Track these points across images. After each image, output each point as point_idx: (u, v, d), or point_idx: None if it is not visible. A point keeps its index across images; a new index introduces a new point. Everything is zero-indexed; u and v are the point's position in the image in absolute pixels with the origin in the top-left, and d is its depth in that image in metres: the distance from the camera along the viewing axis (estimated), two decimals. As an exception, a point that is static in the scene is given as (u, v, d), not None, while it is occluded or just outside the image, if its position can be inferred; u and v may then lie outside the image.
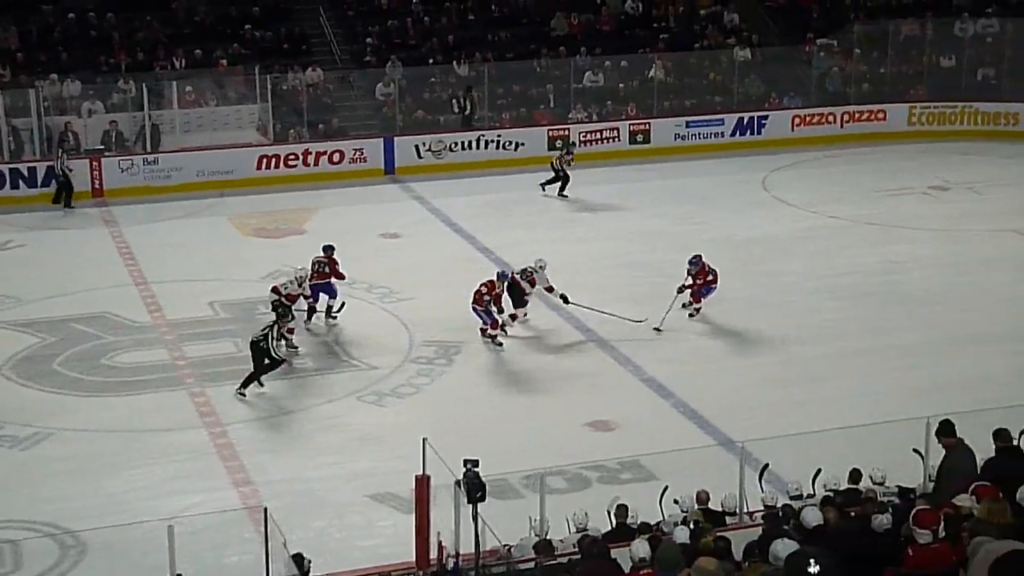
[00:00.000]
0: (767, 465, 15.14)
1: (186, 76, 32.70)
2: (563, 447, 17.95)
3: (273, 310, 21.03)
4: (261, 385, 19.93)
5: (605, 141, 33.59)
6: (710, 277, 22.67)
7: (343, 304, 22.69)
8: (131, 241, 27.25)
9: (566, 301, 22.58)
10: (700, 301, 22.74)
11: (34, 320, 22.79)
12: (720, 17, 37.41)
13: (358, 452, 18.26)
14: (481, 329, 21.87)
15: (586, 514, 13.93)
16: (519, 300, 22.42)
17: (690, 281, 22.61)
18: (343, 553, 15.02)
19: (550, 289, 22.59)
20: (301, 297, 21.95)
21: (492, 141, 32.93)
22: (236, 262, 25.91)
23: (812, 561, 6.35)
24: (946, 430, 13.84)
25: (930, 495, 13.22)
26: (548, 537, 13.34)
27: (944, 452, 13.76)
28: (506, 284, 22.07)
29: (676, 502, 14.37)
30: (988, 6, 37.79)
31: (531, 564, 12.62)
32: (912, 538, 9.20)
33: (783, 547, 8.06)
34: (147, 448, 18.27)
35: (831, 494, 13.88)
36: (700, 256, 22.77)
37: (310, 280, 22.51)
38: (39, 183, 29.99)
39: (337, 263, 22.98)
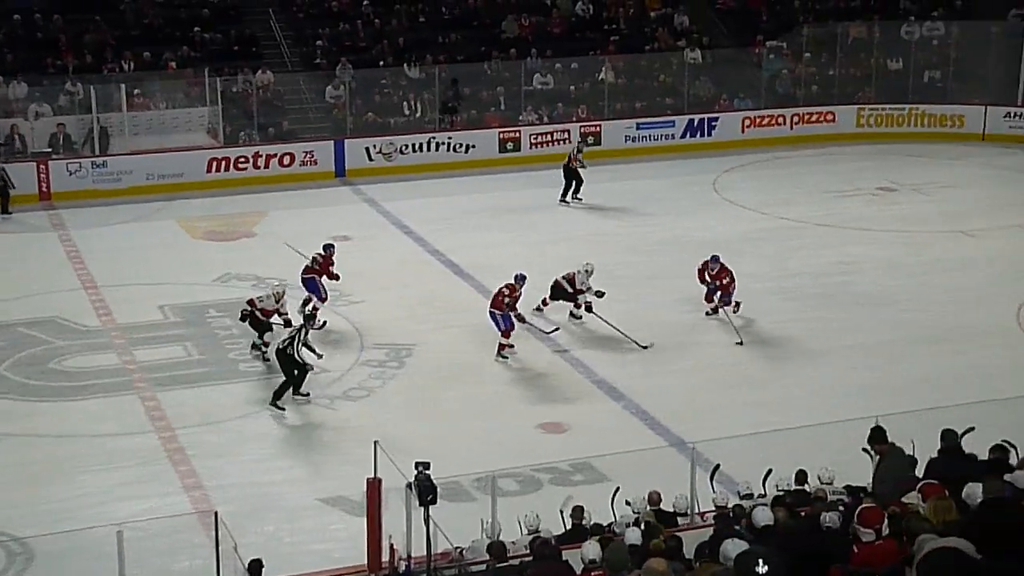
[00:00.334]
0: (718, 466, 15.22)
1: (135, 79, 32.47)
2: (515, 449, 17.95)
3: (242, 319, 21.13)
4: (296, 392, 19.68)
5: (556, 143, 33.60)
6: (727, 280, 22.57)
7: (323, 323, 22.07)
8: (80, 245, 27.06)
9: (588, 310, 22.39)
10: (714, 300, 22.78)
11: (-19, 325, 22.62)
12: (670, 19, 37.54)
13: (310, 456, 18.23)
14: (503, 343, 21.42)
15: (537, 516, 13.94)
16: (569, 298, 22.50)
17: (713, 282, 22.62)
18: (295, 557, 14.96)
19: (580, 292, 22.43)
20: (276, 314, 21.38)
21: (443, 143, 32.91)
22: (186, 265, 25.78)
23: (760, 561, 6.39)
24: (878, 436, 14.04)
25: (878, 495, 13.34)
26: (500, 539, 13.34)
27: (878, 458, 13.93)
28: (522, 286, 21.75)
29: (628, 503, 14.38)
30: (934, 10, 38.11)
31: (483, 566, 12.62)
32: (857, 536, 9.28)
33: (733, 547, 8.10)
34: (97, 453, 18.14)
35: (782, 494, 13.96)
36: (719, 256, 22.75)
37: (303, 274, 22.76)
38: (-17, 186, 29.73)
39: (332, 263, 23.03)
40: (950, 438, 13.91)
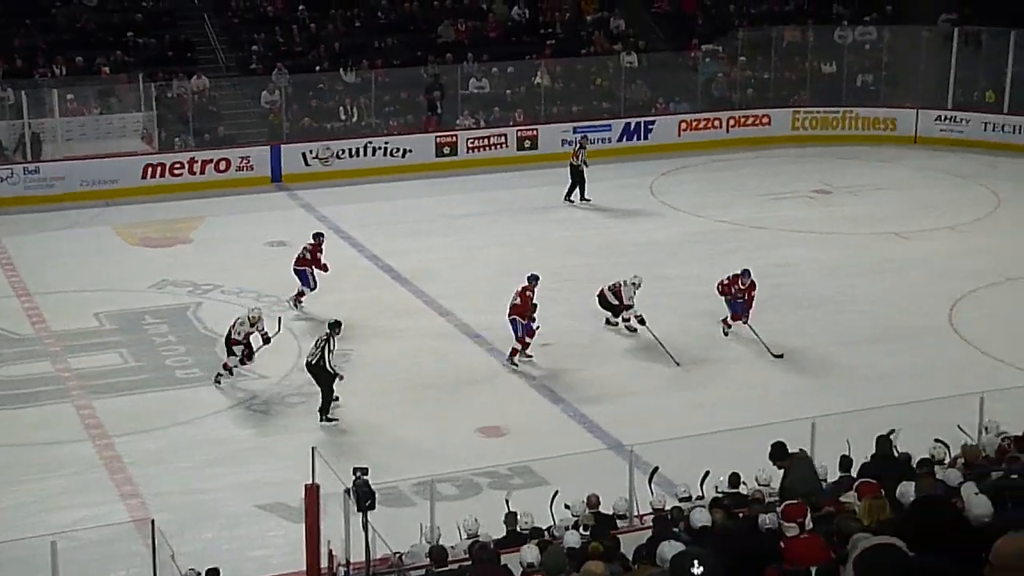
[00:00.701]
0: (656, 468, 15.29)
1: (67, 84, 32.18)
2: (454, 453, 17.96)
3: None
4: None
5: (493, 147, 33.65)
6: (754, 292, 22.23)
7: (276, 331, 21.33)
8: (12, 252, 26.79)
9: (642, 322, 21.99)
10: (741, 317, 22.26)
11: (-89, 334, 22.37)
12: (606, 23, 37.67)
13: (248, 462, 18.13)
14: (516, 348, 21.29)
15: (476, 520, 13.94)
16: (614, 310, 22.29)
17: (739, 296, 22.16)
18: (233, 564, 14.87)
19: (627, 307, 22.09)
20: (258, 334, 20.73)
21: (380, 148, 32.86)
22: (122, 272, 25.59)
23: (696, 562, 6.41)
24: (778, 454, 14.22)
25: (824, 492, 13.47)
26: (439, 544, 13.34)
27: (783, 472, 14.10)
28: (536, 285, 21.65)
29: (567, 507, 14.42)
30: (866, 14, 38.47)
31: (422, 571, 12.61)
32: (782, 532, 9.40)
33: (669, 548, 8.13)
34: (31, 462, 17.99)
35: (720, 496, 14.04)
36: (750, 270, 22.32)
37: (295, 265, 23.22)
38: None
39: (321, 252, 23.45)
40: (884, 446, 14.14)
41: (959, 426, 16.10)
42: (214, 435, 18.96)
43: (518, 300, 21.34)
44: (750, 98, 36.67)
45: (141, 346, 22.04)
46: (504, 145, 33.74)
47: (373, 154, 32.81)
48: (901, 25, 37.74)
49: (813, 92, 36.94)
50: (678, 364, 21.36)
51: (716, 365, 21.40)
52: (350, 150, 32.67)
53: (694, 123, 35.47)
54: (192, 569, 13.03)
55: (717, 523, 11.18)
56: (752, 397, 20.01)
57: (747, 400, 19.84)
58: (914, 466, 13.94)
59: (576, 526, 13.09)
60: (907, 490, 10.31)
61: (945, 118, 35.82)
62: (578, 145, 30.74)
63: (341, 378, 19.47)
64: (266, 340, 20.73)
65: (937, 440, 15.35)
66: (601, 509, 14.25)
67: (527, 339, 21.24)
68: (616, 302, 22.23)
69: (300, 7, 35.81)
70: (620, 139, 34.65)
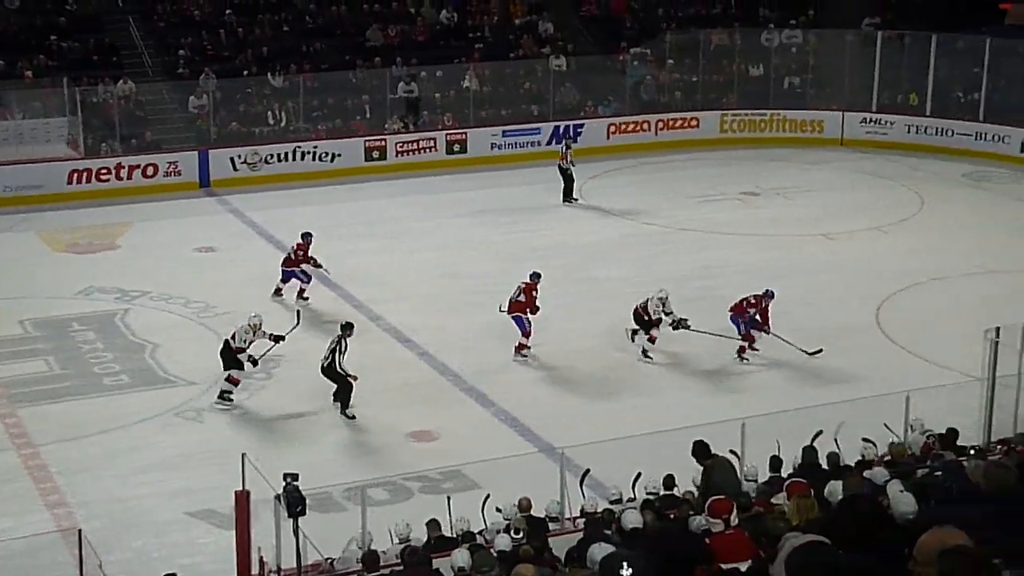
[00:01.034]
0: (587, 471, 15.31)
1: (-11, 88, 31.86)
2: (385, 458, 17.97)
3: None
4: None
5: (422, 151, 33.62)
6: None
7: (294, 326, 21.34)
8: (-65, 259, 26.47)
9: (687, 326, 21.65)
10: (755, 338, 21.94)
11: None
12: (535, 27, 37.73)
13: (177, 469, 17.97)
14: (523, 343, 21.56)
15: (407, 525, 13.92)
16: (646, 327, 21.77)
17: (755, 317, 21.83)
18: (163, 572, 14.75)
19: (656, 322, 21.64)
20: (264, 337, 20.41)
21: (308, 152, 32.72)
22: (48, 279, 25.31)
23: (625, 564, 6.44)
24: (702, 452, 14.34)
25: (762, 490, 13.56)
26: (371, 549, 13.29)
27: (705, 468, 14.21)
28: (538, 282, 21.91)
29: (498, 510, 14.41)
30: (791, 18, 38.78)
31: (354, 577, 12.59)
32: (709, 529, 9.47)
33: (599, 550, 8.17)
34: (-45, 472, 17.76)
35: (651, 497, 14.10)
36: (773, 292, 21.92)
37: (283, 265, 23.81)
38: None
39: (307, 250, 23.93)
40: (810, 456, 14.28)
41: (886, 425, 16.28)
42: (142, 442, 18.78)
43: (522, 297, 21.62)
44: (678, 101, 36.87)
45: (68, 353, 21.82)
46: (433, 149, 33.70)
47: (302, 159, 32.67)
48: (826, 29, 38.10)
49: (741, 95, 37.19)
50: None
51: (644, 367, 21.46)
52: (279, 155, 32.51)
53: (623, 126, 35.59)
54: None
55: (648, 525, 11.22)
56: (683, 398, 20.11)
57: (678, 401, 19.94)
58: (843, 465, 14.11)
59: (508, 529, 13.10)
60: (835, 489, 10.40)
61: (870, 120, 36.24)
62: (564, 147, 30.99)
63: (355, 378, 19.51)
64: (277, 339, 20.57)
65: (865, 439, 15.52)
66: (533, 512, 14.25)
67: (526, 336, 21.54)
68: (646, 317, 21.71)
69: (227, 11, 35.62)
70: (549, 143, 34.66)
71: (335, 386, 19.56)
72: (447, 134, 34.04)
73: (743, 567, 8.55)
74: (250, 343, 20.10)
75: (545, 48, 36.94)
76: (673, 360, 21.68)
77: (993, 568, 5.53)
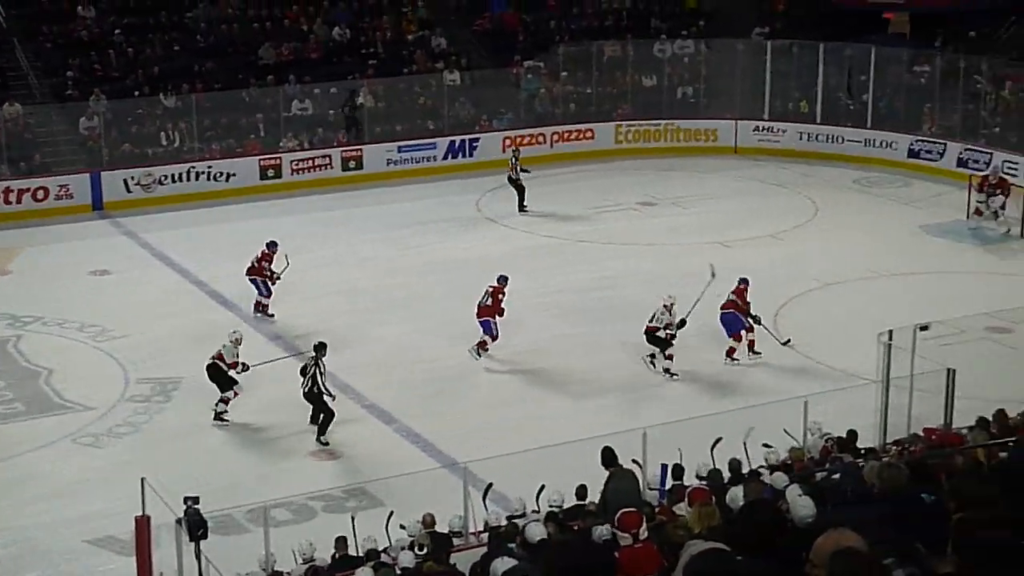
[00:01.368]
0: (490, 485, 15.33)
1: None
2: (287, 478, 17.83)
3: (210, 378, 20.05)
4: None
5: (317, 169, 33.45)
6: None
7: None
8: None
9: (682, 324, 21.87)
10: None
11: None
12: (428, 42, 37.71)
13: (75, 496, 17.73)
14: (480, 343, 21.96)
15: (311, 544, 13.86)
16: (663, 345, 21.66)
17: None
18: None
19: (663, 328, 21.60)
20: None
21: (202, 172, 32.42)
22: (-63, 307, 24.84)
23: (526, 577, 6.45)
24: (608, 458, 14.44)
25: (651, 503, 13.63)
26: (275, 570, 13.22)
27: (607, 476, 14.31)
28: (506, 285, 22.37)
29: (402, 527, 14.40)
30: (683, 28, 39.14)
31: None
32: (618, 543, 9.50)
33: (502, 564, 8.15)
34: None
35: (554, 509, 14.14)
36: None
37: (247, 273, 23.81)
38: None
39: (270, 260, 23.99)
40: (714, 477, 14.41)
41: (785, 430, 16.49)
42: (38, 470, 18.50)
43: (489, 301, 21.99)
44: (573, 113, 37.04)
45: (-40, 382, 21.44)
46: (329, 166, 33.56)
47: (196, 179, 32.37)
48: (717, 39, 38.49)
49: (635, 105, 37.44)
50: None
51: (546, 378, 21.53)
52: (173, 175, 32.18)
53: (518, 139, 35.64)
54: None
55: (551, 537, 11.23)
56: (584, 409, 20.18)
57: (579, 412, 20.00)
58: (744, 471, 14.26)
59: (412, 546, 13.08)
60: (736, 495, 10.48)
61: (762, 128, 36.67)
62: (513, 157, 31.33)
63: (333, 398, 19.39)
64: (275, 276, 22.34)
65: (765, 444, 15.71)
66: (437, 528, 14.26)
67: (493, 339, 21.94)
68: (661, 334, 21.65)
69: (116, 31, 35.17)
70: (445, 157, 34.70)
71: (312, 409, 19.41)
72: (342, 151, 33.90)
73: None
74: (238, 355, 20.22)
75: (439, 63, 36.94)
76: (574, 371, 21.75)
77: (884, 568, 5.61)
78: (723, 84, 37.94)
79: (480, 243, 28.67)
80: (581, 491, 14.87)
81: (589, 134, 36.33)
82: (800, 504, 7.94)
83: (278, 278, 23.99)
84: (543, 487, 15.00)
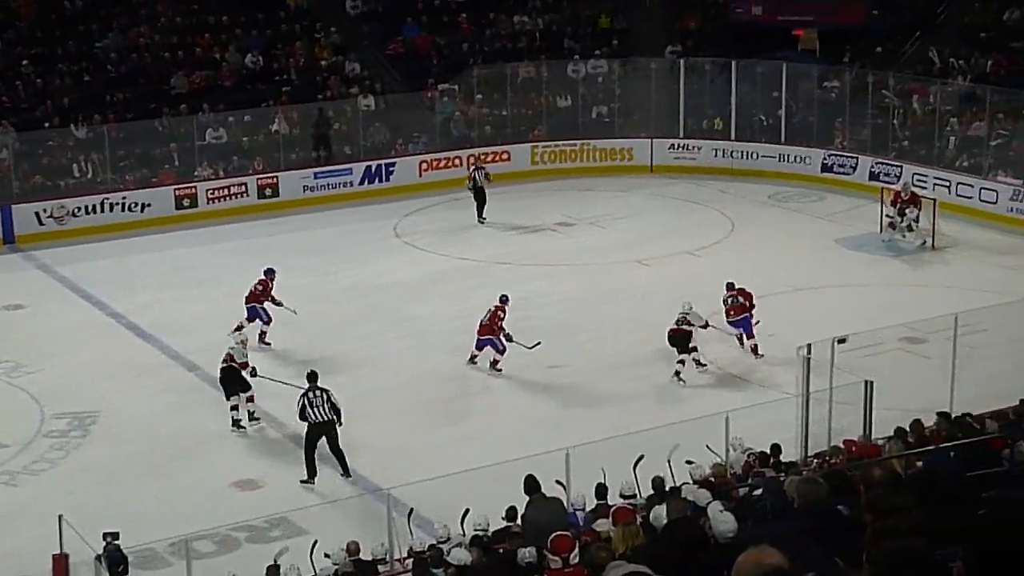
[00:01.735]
0: (412, 510, 15.29)
1: None
2: (209, 510, 17.64)
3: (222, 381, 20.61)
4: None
5: (233, 197, 33.20)
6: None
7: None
8: None
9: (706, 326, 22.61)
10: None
11: None
12: (341, 67, 37.60)
13: (-9, 536, 17.43)
14: (492, 361, 22.36)
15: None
16: (683, 345, 22.21)
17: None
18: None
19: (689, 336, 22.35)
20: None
21: (117, 203, 32.06)
22: None
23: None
24: (530, 486, 14.47)
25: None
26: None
27: (526, 504, 14.34)
28: (507, 304, 22.86)
29: (327, 556, 14.30)
30: (596, 48, 39.32)
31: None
32: (547, 565, 9.50)
33: (427, 591, 8.14)
34: None
35: (479, 533, 14.09)
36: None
37: (246, 302, 23.75)
38: None
39: (270, 287, 24.06)
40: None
41: (708, 446, 16.55)
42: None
43: (487, 319, 22.34)
44: (488, 135, 37.04)
45: None
46: (245, 194, 33.34)
47: (111, 210, 32.00)
48: (630, 58, 38.72)
49: (550, 126, 37.52)
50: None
51: (467, 401, 21.49)
52: (86, 207, 31.79)
53: (434, 163, 35.64)
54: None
55: (476, 560, 11.21)
56: (507, 428, 20.15)
57: (503, 432, 19.96)
58: (668, 488, 14.28)
59: (336, 574, 12.98)
60: (659, 514, 10.49)
61: (678, 146, 36.88)
62: (474, 168, 31.99)
63: (340, 424, 18.98)
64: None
65: (688, 461, 15.74)
66: (361, 555, 14.17)
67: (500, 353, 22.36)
68: (687, 333, 22.23)
69: (24, 62, 34.72)
70: (361, 182, 34.57)
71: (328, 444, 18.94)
72: (258, 178, 33.68)
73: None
74: (246, 356, 20.90)
75: (353, 88, 36.84)
76: (497, 393, 21.73)
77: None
78: (637, 103, 38.13)
79: (398, 267, 28.57)
80: (511, 513, 14.83)
81: (505, 156, 36.35)
82: (721, 520, 7.97)
83: (279, 303, 24.06)
84: (467, 511, 14.95)
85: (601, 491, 14.99)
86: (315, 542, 14.66)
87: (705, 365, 22.48)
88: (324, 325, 24.69)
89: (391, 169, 35.03)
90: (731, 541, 7.58)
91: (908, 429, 15.36)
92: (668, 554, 6.88)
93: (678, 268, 28.07)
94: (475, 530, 14.41)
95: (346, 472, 18.66)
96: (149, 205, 32.32)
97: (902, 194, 29.67)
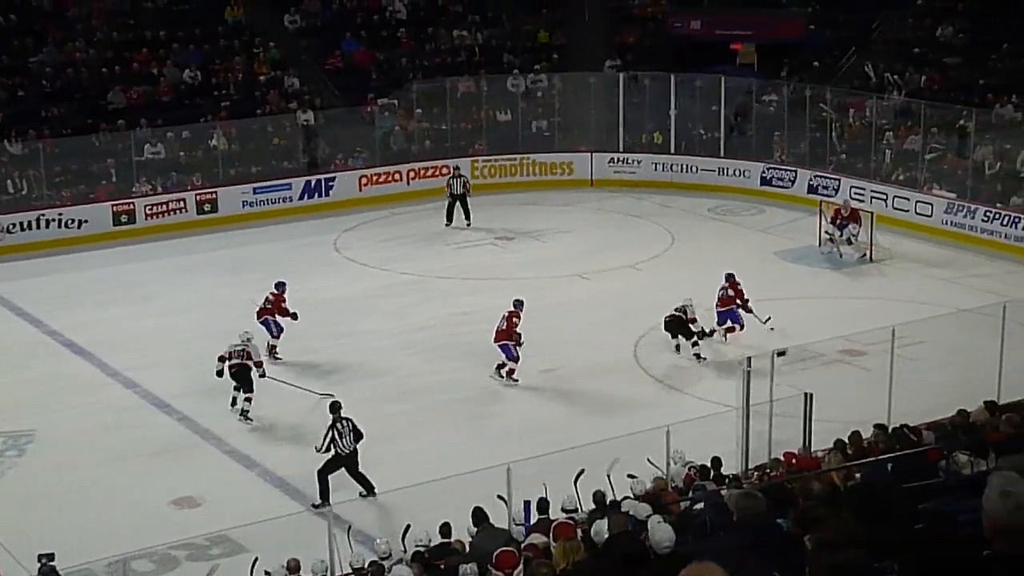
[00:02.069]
0: (350, 525, 15.24)
1: None
2: (148, 528, 17.46)
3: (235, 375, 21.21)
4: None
5: (172, 213, 32.97)
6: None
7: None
8: None
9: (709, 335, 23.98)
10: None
11: None
12: (280, 82, 37.48)
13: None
14: (499, 365, 22.49)
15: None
16: (688, 334, 23.60)
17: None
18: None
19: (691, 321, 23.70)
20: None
21: (53, 220, 31.73)
22: None
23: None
24: (478, 517, 14.51)
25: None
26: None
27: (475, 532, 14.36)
28: (521, 310, 23.10)
29: (268, 573, 14.21)
30: (535, 63, 39.42)
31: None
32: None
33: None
34: None
35: (420, 550, 14.05)
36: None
37: (257, 316, 23.75)
38: None
39: (284, 300, 24.11)
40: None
41: (648, 459, 16.59)
42: None
43: (504, 325, 22.51)
44: (428, 150, 37.02)
45: None
46: (183, 210, 33.11)
47: (47, 226, 31.68)
48: (569, 72, 38.83)
49: (490, 141, 37.53)
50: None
51: (410, 415, 21.41)
52: (22, 223, 31.46)
53: (374, 177, 35.57)
54: None
55: (417, 577, 11.17)
56: (450, 442, 20.09)
57: (445, 446, 19.91)
58: (609, 503, 14.28)
59: (277, 593, 12.90)
60: (600, 529, 10.49)
61: (618, 160, 37.02)
62: (452, 176, 32.72)
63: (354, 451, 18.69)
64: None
65: (630, 475, 15.76)
66: (301, 573, 14.09)
67: (515, 361, 22.54)
68: (685, 320, 23.65)
69: (-44, 79, 34.41)
70: (301, 197, 34.45)
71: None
72: (196, 194, 33.46)
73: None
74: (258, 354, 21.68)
75: (292, 103, 36.72)
76: (437, 408, 21.67)
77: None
78: (577, 117, 38.25)
79: (339, 283, 28.47)
80: (444, 529, 14.81)
81: (445, 171, 36.26)
82: (659, 531, 7.96)
83: (295, 316, 24.14)
84: (409, 527, 14.92)
85: (543, 506, 14.98)
86: (255, 559, 14.55)
87: (704, 358, 23.55)
88: (262, 342, 24.49)
89: (331, 184, 34.95)
90: (672, 555, 7.59)
91: (847, 441, 15.45)
92: (609, 569, 6.87)
93: (619, 282, 28.14)
94: (416, 546, 14.37)
95: (371, 491, 18.23)
96: (86, 221, 32.04)
97: (842, 210, 29.92)
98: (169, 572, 16.32)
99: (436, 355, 24.05)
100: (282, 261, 30.02)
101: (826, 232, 29.97)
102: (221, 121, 35.21)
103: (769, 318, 24.28)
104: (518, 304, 23.14)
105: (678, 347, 23.72)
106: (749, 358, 18.70)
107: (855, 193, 32.01)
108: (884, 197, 32.36)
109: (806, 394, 18.00)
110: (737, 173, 35.84)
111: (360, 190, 35.26)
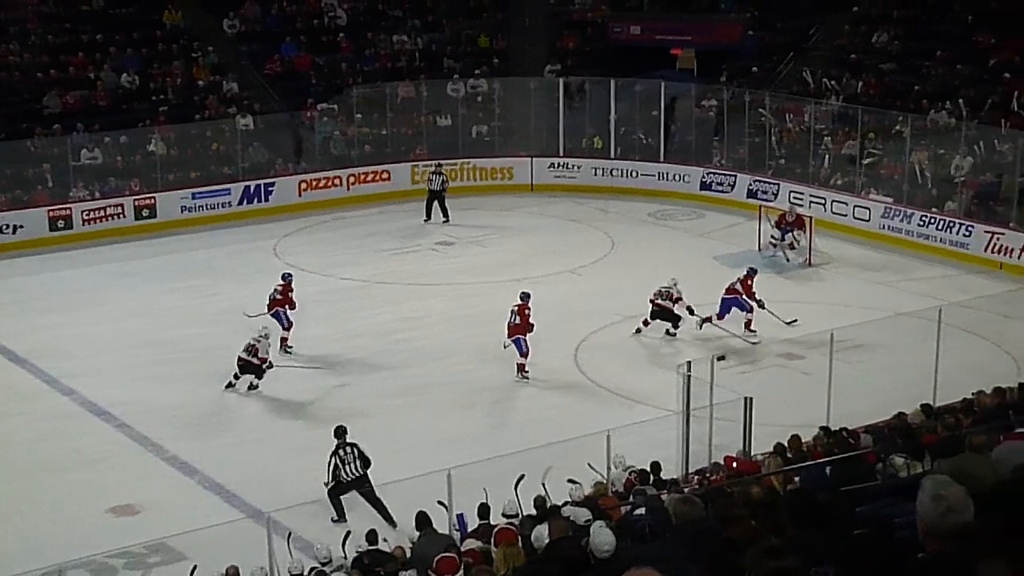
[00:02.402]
0: (291, 533, 15.18)
1: None
2: (85, 537, 17.31)
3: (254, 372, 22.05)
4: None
5: (110, 218, 32.69)
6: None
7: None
8: None
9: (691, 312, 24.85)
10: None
11: None
12: (219, 87, 37.27)
13: None
14: (519, 366, 22.81)
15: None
16: (675, 320, 24.58)
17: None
18: None
19: (677, 300, 24.74)
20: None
21: (-12, 225, 31.45)
22: None
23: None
24: (421, 522, 14.52)
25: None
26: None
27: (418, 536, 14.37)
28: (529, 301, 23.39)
29: (206, 582, 14.14)
30: (476, 67, 39.43)
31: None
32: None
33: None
34: None
35: (359, 555, 14.02)
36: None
37: (268, 308, 24.19)
38: None
39: (291, 291, 24.58)
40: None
41: (589, 464, 16.62)
42: None
43: (518, 320, 22.68)
44: (368, 155, 36.93)
45: None
46: (121, 215, 32.85)
47: (-18, 233, 31.38)
48: (510, 77, 38.87)
49: (431, 145, 37.48)
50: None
51: (351, 421, 21.28)
52: (-44, 229, 31.16)
53: (314, 183, 35.45)
54: None
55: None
56: (391, 450, 19.99)
57: (386, 453, 19.80)
58: (549, 508, 14.28)
59: (215, 601, 12.82)
60: (540, 534, 10.49)
61: (558, 165, 37.09)
62: (433, 171, 33.67)
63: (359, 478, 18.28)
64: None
65: (570, 480, 15.78)
66: (241, 580, 14.03)
67: (525, 356, 22.75)
68: (670, 306, 24.60)
69: None
70: (241, 202, 34.28)
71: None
72: (135, 199, 33.20)
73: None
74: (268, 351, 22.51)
75: (231, 108, 36.51)
76: (374, 416, 21.58)
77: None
78: (517, 122, 38.30)
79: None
80: (371, 536, 14.76)
81: (385, 176, 36.29)
82: (599, 535, 7.96)
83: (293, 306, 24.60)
84: (348, 533, 14.90)
85: (483, 511, 14.98)
86: (194, 567, 14.50)
87: (674, 335, 24.62)
88: (201, 348, 24.38)
89: (270, 189, 34.80)
90: (611, 560, 7.59)
91: (787, 445, 15.55)
92: (549, 574, 6.86)
93: (559, 287, 28.13)
94: (357, 552, 14.34)
95: (391, 522, 17.40)
96: (22, 227, 31.72)
97: (787, 216, 30.12)
98: (107, 581, 16.18)
99: (378, 361, 23.98)
100: (221, 267, 29.93)
101: (771, 237, 30.16)
102: (159, 126, 34.97)
103: (796, 320, 25.02)
104: (525, 296, 23.45)
105: (668, 331, 24.71)
106: (689, 362, 18.78)
107: (794, 198, 32.23)
108: (823, 202, 32.61)
109: (746, 398, 18.09)
110: (677, 178, 36.00)
111: (300, 195, 35.12)
